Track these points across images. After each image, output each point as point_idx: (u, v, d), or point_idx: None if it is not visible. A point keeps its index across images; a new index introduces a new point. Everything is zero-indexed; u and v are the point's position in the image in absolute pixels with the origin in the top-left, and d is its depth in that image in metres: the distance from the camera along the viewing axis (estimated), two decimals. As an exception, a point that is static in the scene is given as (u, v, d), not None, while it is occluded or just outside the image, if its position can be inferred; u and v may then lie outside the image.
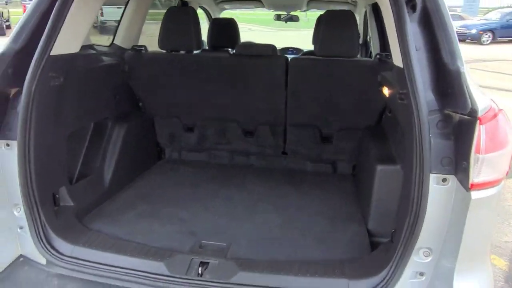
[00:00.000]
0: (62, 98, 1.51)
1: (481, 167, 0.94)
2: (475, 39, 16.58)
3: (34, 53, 1.30)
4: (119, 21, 2.38)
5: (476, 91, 1.01)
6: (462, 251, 0.99)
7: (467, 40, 17.14)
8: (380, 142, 1.76)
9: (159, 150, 2.48)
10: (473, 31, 16.55)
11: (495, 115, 0.97)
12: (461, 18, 19.29)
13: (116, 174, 1.92)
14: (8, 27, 15.52)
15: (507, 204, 3.11)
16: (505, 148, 0.98)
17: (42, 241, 1.30)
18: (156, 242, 1.46)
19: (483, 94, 1.05)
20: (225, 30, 2.66)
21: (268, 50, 2.16)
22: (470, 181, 0.95)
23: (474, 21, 18.62)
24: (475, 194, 0.96)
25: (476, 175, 0.95)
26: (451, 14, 1.15)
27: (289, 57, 2.20)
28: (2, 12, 14.45)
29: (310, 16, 6.30)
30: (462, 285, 1.00)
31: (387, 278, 1.05)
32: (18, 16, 13.23)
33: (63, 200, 1.52)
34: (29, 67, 1.27)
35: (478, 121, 0.93)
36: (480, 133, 0.93)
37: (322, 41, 1.97)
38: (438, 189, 0.98)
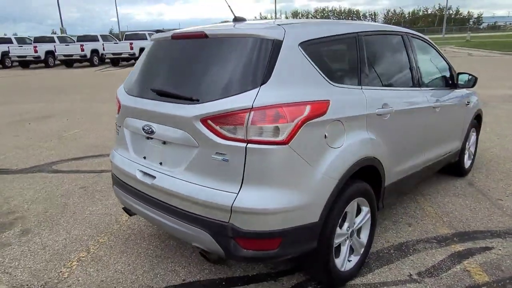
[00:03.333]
0: None
1: (249, 131, 1.84)
2: None
3: None
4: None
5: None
6: (245, 175, 1.88)
7: None
8: None
9: None
10: None
11: (261, 108, 1.84)
12: None
13: None
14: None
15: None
16: (265, 126, 1.83)
17: None
18: None
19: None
20: None
21: None
22: (246, 138, 1.85)
23: None
24: (250, 146, 1.85)
25: (245, 136, 1.85)
26: None
27: None
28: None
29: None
30: (243, 192, 1.89)
31: None
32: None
33: None
34: None
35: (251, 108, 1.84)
36: (250, 114, 1.84)
37: None
38: None
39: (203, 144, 1.99)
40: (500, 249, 2.85)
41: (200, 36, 2.24)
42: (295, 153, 1.93)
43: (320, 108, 2.03)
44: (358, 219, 2.47)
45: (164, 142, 2.22)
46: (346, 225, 2.37)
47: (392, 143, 2.66)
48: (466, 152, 4.34)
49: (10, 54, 23.66)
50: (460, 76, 3.71)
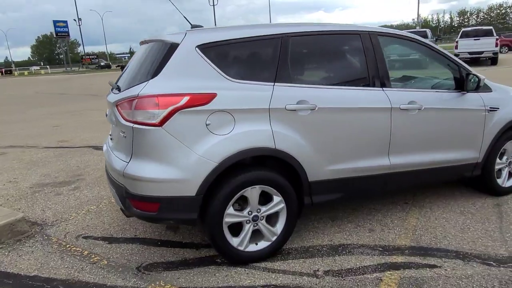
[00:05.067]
0: None
1: (134, 114, 2.31)
2: None
3: None
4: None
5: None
6: (133, 149, 2.37)
7: None
8: None
9: None
10: None
11: (143, 97, 2.29)
12: None
13: None
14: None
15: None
16: (145, 110, 2.27)
17: None
18: None
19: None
20: None
21: None
22: (133, 120, 2.35)
23: None
24: (135, 126, 2.34)
25: (132, 118, 2.34)
26: None
27: None
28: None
29: None
30: (131, 162, 2.37)
31: None
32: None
33: None
34: None
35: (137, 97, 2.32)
36: (135, 101, 2.32)
37: None
38: None
39: (118, 124, 2.59)
40: (446, 269, 2.54)
41: (145, 42, 2.85)
42: (169, 135, 2.34)
43: (200, 99, 2.37)
44: (265, 207, 2.65)
45: (115, 124, 2.91)
46: (248, 208, 2.60)
47: (319, 139, 2.70)
48: (505, 168, 3.68)
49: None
50: (469, 78, 3.24)
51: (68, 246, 3.01)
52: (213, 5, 39.46)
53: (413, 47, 3.35)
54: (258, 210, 2.63)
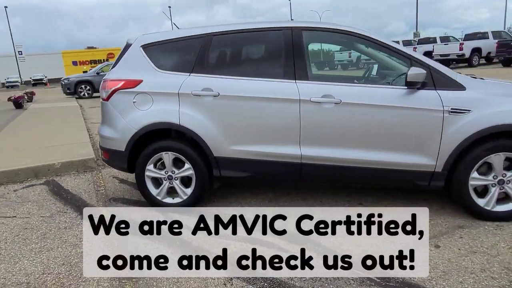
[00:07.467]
0: None
1: (101, 92, 3.47)
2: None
3: None
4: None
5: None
6: (102, 116, 3.53)
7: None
8: None
9: None
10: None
11: (105, 81, 3.38)
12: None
13: None
14: None
15: None
16: (103, 90, 3.36)
17: None
18: None
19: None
20: None
21: None
22: (101, 96, 3.50)
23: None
24: (101, 100, 3.49)
25: (101, 95, 3.50)
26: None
27: None
28: None
29: None
30: (101, 125, 3.53)
31: None
32: None
33: None
34: None
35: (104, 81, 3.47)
36: (102, 83, 3.46)
37: None
38: None
39: None
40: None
41: None
42: (112, 107, 3.41)
43: (130, 84, 3.33)
44: (178, 170, 3.37)
45: None
46: (165, 169, 3.40)
47: (222, 122, 3.18)
48: (491, 187, 2.96)
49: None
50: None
51: (99, 180, 4.56)
52: None
53: (353, 41, 3.19)
54: (173, 171, 3.39)
